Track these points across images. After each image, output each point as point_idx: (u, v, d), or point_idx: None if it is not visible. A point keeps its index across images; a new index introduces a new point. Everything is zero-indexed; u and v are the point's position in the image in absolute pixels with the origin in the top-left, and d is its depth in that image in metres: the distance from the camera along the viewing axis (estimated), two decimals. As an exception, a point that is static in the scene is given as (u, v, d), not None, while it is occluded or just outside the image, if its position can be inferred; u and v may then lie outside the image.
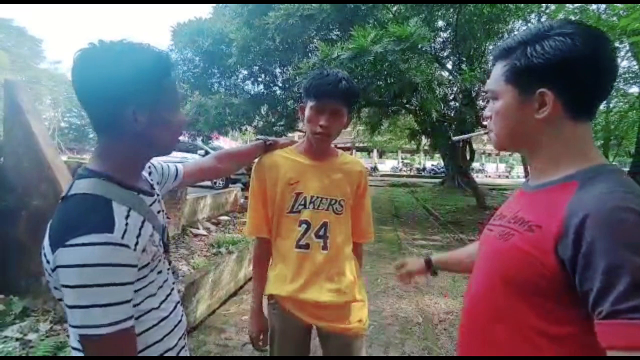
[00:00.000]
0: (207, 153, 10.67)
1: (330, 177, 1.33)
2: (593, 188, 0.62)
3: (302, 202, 1.29)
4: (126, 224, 0.72)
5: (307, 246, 1.30)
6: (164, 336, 0.84)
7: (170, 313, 0.87)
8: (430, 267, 1.32)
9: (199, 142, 10.65)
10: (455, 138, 2.14)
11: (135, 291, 0.75)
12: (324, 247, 1.30)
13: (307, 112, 1.26)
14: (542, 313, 0.66)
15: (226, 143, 17.33)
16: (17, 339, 2.08)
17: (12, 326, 2.19)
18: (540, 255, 0.63)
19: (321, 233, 1.30)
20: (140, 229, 0.76)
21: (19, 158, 2.68)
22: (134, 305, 0.75)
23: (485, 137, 0.89)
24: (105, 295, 0.66)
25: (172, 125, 0.85)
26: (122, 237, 0.69)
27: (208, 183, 9.62)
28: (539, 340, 0.67)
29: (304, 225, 1.29)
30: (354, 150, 29.94)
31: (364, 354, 1.38)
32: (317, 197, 1.30)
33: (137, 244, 0.73)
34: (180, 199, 4.41)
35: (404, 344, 2.84)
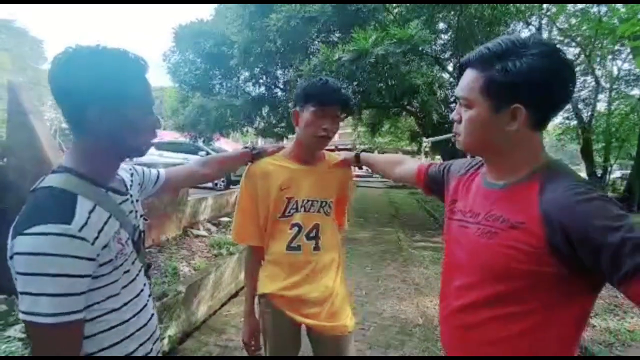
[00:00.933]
0: (208, 154, 10.68)
1: (320, 180, 1.37)
2: (554, 187, 0.73)
3: (294, 207, 1.33)
4: (88, 218, 0.73)
5: (298, 248, 1.33)
6: (122, 340, 0.83)
7: (133, 316, 0.86)
8: (358, 162, 1.47)
9: (200, 143, 10.66)
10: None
11: (97, 288, 0.77)
12: (316, 248, 1.35)
13: (306, 116, 1.28)
14: (531, 296, 0.75)
15: (227, 144, 17.34)
16: (19, 339, 2.08)
17: (15, 326, 2.20)
18: (528, 247, 0.73)
19: (312, 234, 1.34)
20: (104, 225, 0.77)
21: (22, 158, 2.69)
22: (95, 304, 0.77)
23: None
24: (55, 285, 0.67)
25: (140, 128, 0.86)
26: (80, 230, 0.70)
27: (209, 184, 9.63)
28: (531, 318, 0.76)
29: (296, 228, 1.33)
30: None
31: (353, 351, 1.40)
32: (308, 200, 1.34)
33: (97, 238, 0.74)
34: (182, 200, 4.42)
35: (404, 345, 2.85)
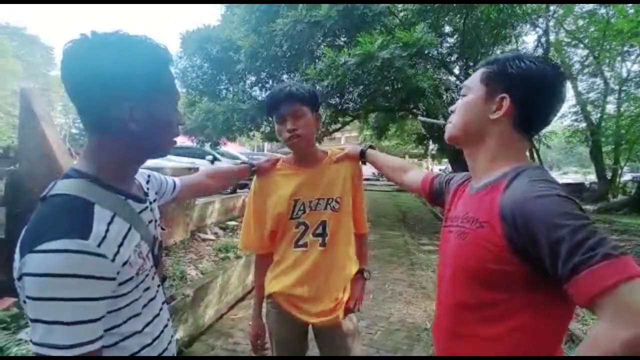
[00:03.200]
0: (215, 158, 10.73)
1: (325, 179, 1.40)
2: (515, 184, 0.75)
3: (301, 208, 1.36)
4: (106, 231, 0.65)
5: (305, 245, 1.36)
6: None
7: (155, 340, 0.78)
8: (363, 157, 1.48)
9: (207, 147, 10.72)
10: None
11: (116, 310, 0.68)
12: (322, 244, 1.36)
13: (276, 127, 1.36)
14: (505, 297, 0.75)
15: (234, 148, 17.43)
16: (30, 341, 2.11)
17: (26, 329, 2.23)
18: (492, 246, 0.74)
19: (319, 231, 1.37)
20: (124, 238, 0.68)
21: (34, 164, 2.74)
22: (114, 327, 0.68)
23: None
24: (72, 311, 0.58)
25: (170, 125, 0.78)
26: (99, 246, 0.62)
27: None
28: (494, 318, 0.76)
29: (302, 227, 1.37)
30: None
31: (357, 350, 1.41)
32: (315, 200, 1.37)
33: (117, 253, 0.65)
34: (189, 204, 4.45)
35: (412, 350, 2.83)
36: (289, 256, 1.38)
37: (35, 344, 0.57)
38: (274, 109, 1.33)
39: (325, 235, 1.36)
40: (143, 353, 0.74)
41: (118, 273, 0.66)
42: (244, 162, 1.48)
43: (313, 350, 1.48)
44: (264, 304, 1.48)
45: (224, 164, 10.48)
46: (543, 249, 0.64)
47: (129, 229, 0.71)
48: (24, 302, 0.61)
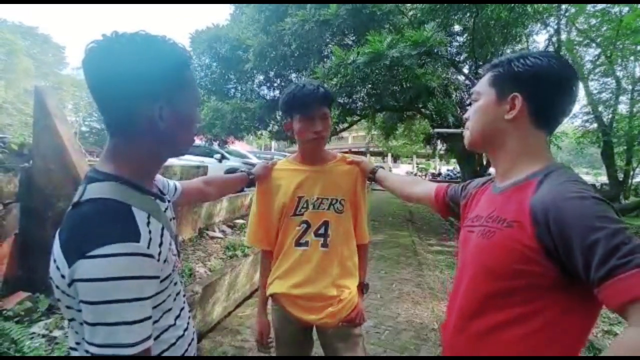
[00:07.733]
0: (223, 157, 10.79)
1: (329, 179, 1.40)
2: (547, 184, 0.75)
3: (304, 205, 1.37)
4: (149, 232, 0.66)
5: (306, 244, 1.36)
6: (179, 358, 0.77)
7: (185, 331, 0.80)
8: (372, 174, 1.47)
9: (215, 146, 10.79)
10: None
11: (156, 306, 0.69)
12: (324, 245, 1.36)
13: (296, 126, 1.33)
14: (524, 296, 0.74)
15: (242, 147, 17.49)
16: (43, 336, 2.15)
17: (39, 323, 2.27)
18: (521, 246, 0.73)
19: (321, 232, 1.36)
20: (161, 237, 0.69)
21: (47, 160, 2.78)
22: (155, 322, 0.69)
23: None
24: (132, 311, 0.59)
25: (193, 124, 0.79)
26: (148, 247, 0.63)
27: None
28: (521, 317, 0.75)
29: (304, 225, 1.36)
30: (368, 155, 29.84)
31: (361, 350, 1.41)
32: (318, 198, 1.37)
33: (160, 253, 0.67)
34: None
35: (420, 350, 2.82)
36: (290, 255, 1.37)
37: (97, 345, 0.57)
38: (302, 107, 1.31)
39: (327, 236, 1.35)
40: (177, 344, 0.76)
41: (161, 271, 0.68)
42: (242, 171, 1.48)
43: (317, 350, 1.49)
44: (268, 303, 1.49)
45: (232, 162, 10.54)
46: (577, 250, 0.64)
47: (163, 229, 0.71)
48: (68, 307, 0.64)
